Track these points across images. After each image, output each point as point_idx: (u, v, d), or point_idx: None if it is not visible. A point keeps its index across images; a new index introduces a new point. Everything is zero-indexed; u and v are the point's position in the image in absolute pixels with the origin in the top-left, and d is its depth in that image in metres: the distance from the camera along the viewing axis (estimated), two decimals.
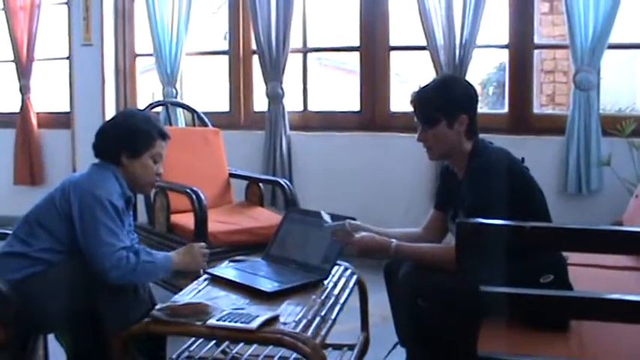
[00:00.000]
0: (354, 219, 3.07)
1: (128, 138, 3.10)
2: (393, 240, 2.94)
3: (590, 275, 3.10)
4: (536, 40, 5.58)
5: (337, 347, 3.43)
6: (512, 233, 2.03)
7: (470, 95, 2.98)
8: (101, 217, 2.90)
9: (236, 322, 2.51)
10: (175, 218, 4.44)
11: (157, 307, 2.67)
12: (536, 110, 5.66)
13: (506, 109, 5.66)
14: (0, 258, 2.91)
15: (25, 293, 2.72)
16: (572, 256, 2.87)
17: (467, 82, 3.10)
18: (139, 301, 2.84)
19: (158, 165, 3.20)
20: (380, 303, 3.51)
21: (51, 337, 3.16)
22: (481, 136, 2.98)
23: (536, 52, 5.60)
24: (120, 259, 2.84)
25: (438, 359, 2.76)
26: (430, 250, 2.93)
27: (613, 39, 5.04)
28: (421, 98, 2.97)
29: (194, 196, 4.18)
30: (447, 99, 2.91)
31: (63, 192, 2.98)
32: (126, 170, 3.10)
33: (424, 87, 2.99)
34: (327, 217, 3.03)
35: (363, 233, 2.99)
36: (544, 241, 2.07)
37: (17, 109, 6.90)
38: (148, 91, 7.14)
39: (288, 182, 4.90)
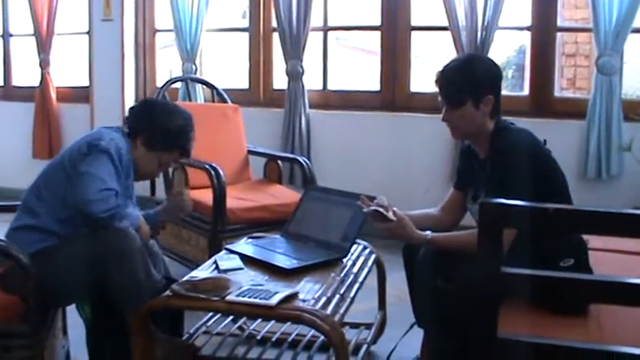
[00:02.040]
0: (374, 198, 3.05)
1: (155, 129, 3.12)
2: (428, 233, 2.91)
3: (610, 260, 3.08)
4: (559, 22, 5.53)
5: (354, 326, 3.44)
6: (536, 215, 2.01)
7: (495, 75, 2.94)
8: (97, 159, 2.91)
9: (255, 298, 2.51)
10: (194, 194, 4.43)
11: (177, 282, 2.69)
12: (557, 93, 5.62)
13: (526, 92, 5.63)
14: (12, 232, 2.92)
15: (40, 267, 2.72)
16: (592, 241, 2.84)
17: (492, 61, 3.06)
18: (151, 281, 2.83)
19: (160, 168, 3.24)
20: (397, 283, 3.52)
21: (70, 309, 3.18)
22: (503, 117, 2.96)
23: (558, 34, 5.54)
24: (107, 197, 2.83)
25: (455, 340, 2.75)
26: (465, 237, 2.84)
27: (637, 23, 4.99)
28: (447, 79, 2.92)
29: (213, 172, 4.19)
30: (473, 80, 2.87)
31: (70, 150, 3.00)
32: (133, 149, 3.10)
33: (449, 66, 2.94)
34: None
35: (404, 222, 2.92)
36: (567, 223, 2.05)
37: (37, 83, 6.91)
38: (167, 68, 7.13)
39: (306, 160, 4.90)
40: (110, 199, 2.84)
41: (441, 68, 2.96)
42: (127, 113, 3.26)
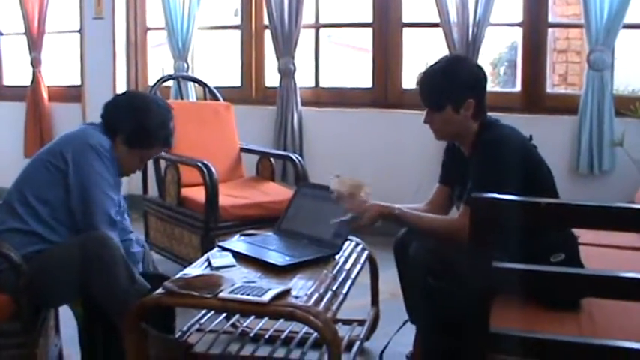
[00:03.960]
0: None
1: (133, 128, 3.05)
2: (397, 206, 2.95)
3: (601, 254, 3.10)
4: (550, 18, 5.54)
5: (347, 322, 3.44)
6: (527, 209, 2.01)
7: (477, 78, 2.92)
8: (96, 164, 2.90)
9: (248, 294, 2.50)
10: (186, 192, 4.44)
11: (170, 279, 2.68)
12: (548, 89, 5.62)
13: (518, 88, 5.64)
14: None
15: (29, 269, 2.71)
16: (583, 236, 2.85)
17: (475, 63, 3.06)
18: (136, 287, 2.80)
19: (143, 162, 3.21)
20: (389, 279, 3.52)
21: (62, 307, 3.18)
22: (493, 114, 2.96)
23: (549, 30, 5.55)
24: (113, 223, 2.89)
25: (448, 336, 2.75)
26: (434, 221, 2.93)
27: (628, 19, 5.00)
28: (427, 82, 2.93)
29: (205, 170, 4.19)
30: (453, 84, 2.87)
31: (53, 149, 2.96)
32: (114, 147, 3.05)
33: (430, 68, 2.95)
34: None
35: (367, 206, 2.98)
36: (559, 217, 2.05)
37: (28, 82, 6.90)
38: (159, 66, 7.12)
39: (299, 157, 4.90)
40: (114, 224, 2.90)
41: (422, 70, 2.97)
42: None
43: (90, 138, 2.96)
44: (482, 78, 2.94)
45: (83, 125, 3.15)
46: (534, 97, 5.45)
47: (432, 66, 2.95)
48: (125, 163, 3.10)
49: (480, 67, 2.98)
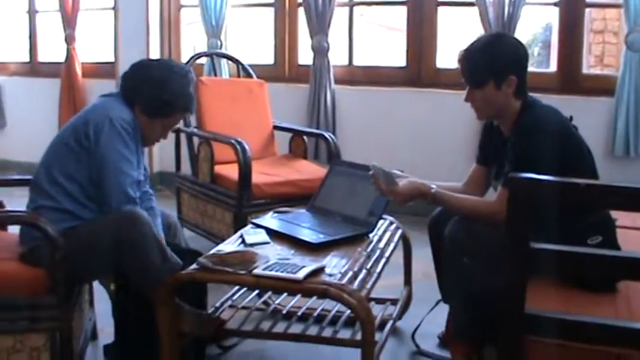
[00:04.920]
0: (401, 171, 3.05)
1: (151, 98, 3.03)
2: (434, 185, 2.93)
3: (638, 237, 3.06)
4: None
5: (380, 301, 3.44)
6: (567, 190, 1.99)
7: (519, 55, 2.90)
8: (116, 141, 2.89)
9: (282, 271, 2.51)
10: (219, 169, 4.45)
11: (204, 255, 2.69)
12: (584, 70, 5.55)
13: (554, 69, 5.57)
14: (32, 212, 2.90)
15: (65, 244, 2.73)
16: (620, 219, 2.82)
17: (516, 40, 3.01)
18: (169, 264, 2.80)
19: (166, 132, 3.18)
20: (423, 259, 3.51)
21: (97, 282, 3.21)
22: (531, 94, 2.93)
23: (586, 10, 5.47)
24: (128, 199, 2.88)
25: (481, 317, 2.74)
26: (471, 202, 2.91)
27: None
28: (468, 59, 2.91)
29: (238, 147, 4.18)
30: (494, 60, 2.84)
31: (74, 124, 2.96)
32: (135, 117, 3.04)
33: (471, 46, 2.92)
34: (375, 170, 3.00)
35: (404, 176, 2.98)
36: (598, 199, 2.03)
37: (62, 59, 6.94)
38: (191, 44, 7.13)
39: (332, 135, 4.89)
40: (132, 201, 2.90)
41: (464, 47, 2.94)
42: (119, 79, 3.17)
43: (110, 111, 2.95)
44: (524, 55, 2.91)
45: (103, 96, 3.11)
46: (570, 77, 5.38)
47: (473, 43, 2.92)
48: (147, 133, 3.09)
49: (521, 44, 2.95)
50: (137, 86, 3.05)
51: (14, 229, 2.95)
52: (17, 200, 3.24)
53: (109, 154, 2.88)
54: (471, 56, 2.90)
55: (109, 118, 2.90)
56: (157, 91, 3.03)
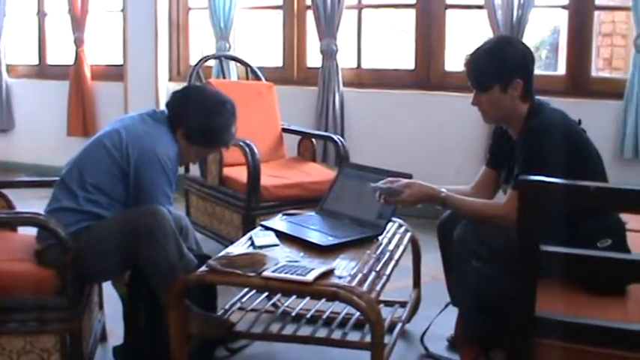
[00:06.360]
0: (410, 176, 3.05)
1: (197, 127, 3.08)
2: (443, 189, 2.93)
3: None
4: (597, 1, 5.44)
5: (389, 304, 3.44)
6: (576, 193, 1.99)
7: (524, 58, 2.90)
8: (159, 179, 2.92)
9: (291, 274, 2.51)
10: (228, 171, 4.45)
11: (213, 257, 2.70)
12: (593, 73, 5.54)
13: (562, 71, 5.57)
14: (52, 213, 2.91)
15: (76, 244, 2.74)
16: (630, 222, 2.81)
17: (522, 43, 3.02)
18: (184, 261, 2.83)
19: (197, 159, 3.27)
20: (432, 262, 3.51)
21: (107, 283, 3.22)
22: (538, 97, 2.93)
23: (595, 13, 5.46)
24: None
25: (490, 319, 2.74)
26: (481, 205, 2.91)
27: None
28: (474, 62, 2.91)
29: (247, 149, 4.19)
30: (500, 64, 2.85)
31: (119, 141, 2.96)
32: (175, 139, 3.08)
33: (477, 49, 2.93)
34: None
35: (410, 182, 2.96)
36: (608, 202, 2.03)
37: (71, 62, 6.96)
38: (200, 46, 7.14)
39: (340, 138, 4.89)
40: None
41: (470, 51, 2.94)
42: (168, 97, 3.20)
43: (158, 146, 2.96)
44: (529, 58, 2.91)
45: (148, 115, 3.11)
46: (579, 80, 5.38)
47: (478, 47, 2.93)
48: (183, 155, 3.12)
49: (527, 48, 2.95)
50: (187, 110, 3.09)
51: (31, 230, 2.96)
52: (27, 202, 3.25)
53: (152, 192, 2.92)
54: (477, 60, 2.91)
55: (156, 154, 2.93)
56: (206, 120, 3.09)
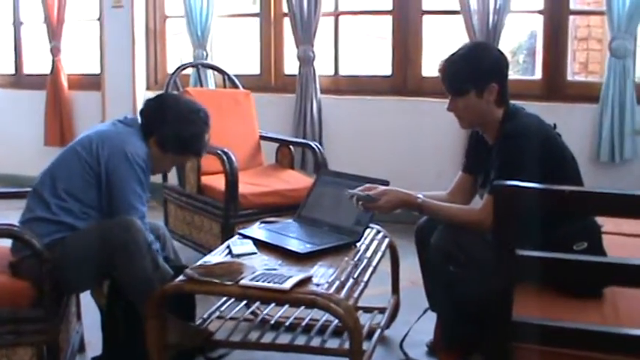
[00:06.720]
0: (387, 183, 3.05)
1: (170, 135, 3.08)
2: (420, 195, 2.93)
3: (624, 243, 3.07)
4: (572, 5, 5.49)
5: (368, 310, 3.44)
6: (551, 197, 2.00)
7: (499, 63, 2.92)
8: (129, 177, 2.91)
9: (269, 282, 2.51)
10: (206, 180, 4.44)
11: (190, 267, 2.69)
12: (569, 77, 5.57)
13: (539, 76, 5.60)
14: (26, 223, 2.90)
15: (52, 255, 2.73)
16: (606, 224, 2.83)
17: (497, 49, 3.05)
18: (160, 273, 2.83)
19: (172, 167, 3.29)
20: (410, 267, 3.52)
21: (84, 294, 3.20)
22: (513, 102, 2.95)
23: (570, 17, 5.50)
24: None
25: (469, 324, 2.75)
26: (457, 211, 2.92)
27: None
28: (449, 68, 2.93)
29: (225, 158, 4.18)
30: (475, 69, 2.87)
31: (90, 146, 2.95)
32: (148, 147, 3.07)
33: (452, 55, 2.94)
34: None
35: (387, 189, 2.97)
36: (583, 205, 2.04)
37: (48, 71, 6.91)
38: (177, 54, 7.12)
39: (318, 145, 4.89)
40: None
41: (445, 57, 2.96)
42: (141, 105, 3.20)
43: (127, 144, 2.96)
44: (504, 63, 2.94)
45: (121, 122, 3.12)
46: (555, 85, 5.41)
47: (454, 53, 2.94)
48: (155, 164, 3.11)
49: (501, 53, 2.99)
50: (160, 119, 3.09)
51: (6, 242, 2.94)
52: (2, 213, 3.23)
53: (122, 189, 2.91)
54: (452, 65, 2.92)
55: (125, 153, 2.92)
56: (178, 129, 3.08)
